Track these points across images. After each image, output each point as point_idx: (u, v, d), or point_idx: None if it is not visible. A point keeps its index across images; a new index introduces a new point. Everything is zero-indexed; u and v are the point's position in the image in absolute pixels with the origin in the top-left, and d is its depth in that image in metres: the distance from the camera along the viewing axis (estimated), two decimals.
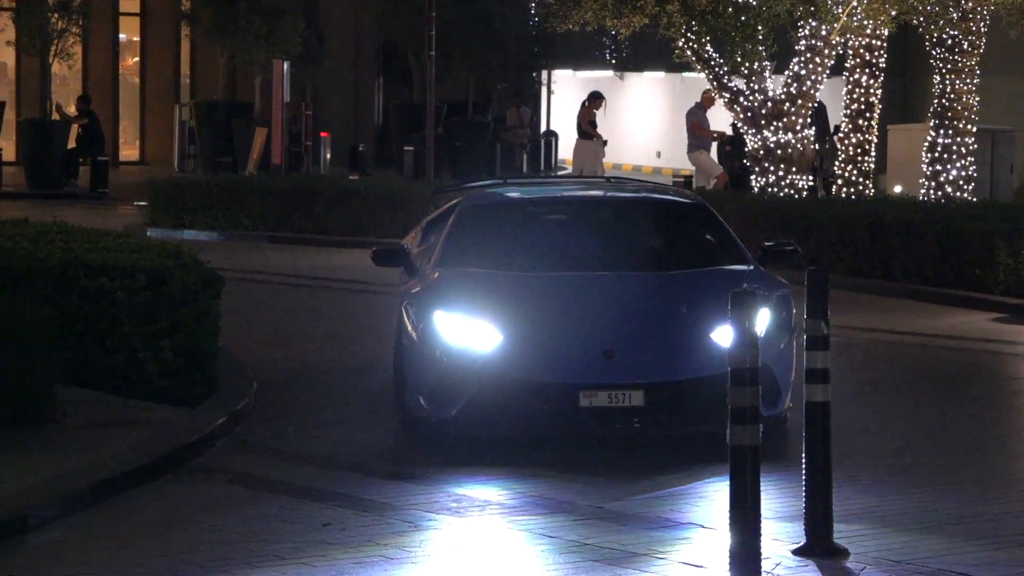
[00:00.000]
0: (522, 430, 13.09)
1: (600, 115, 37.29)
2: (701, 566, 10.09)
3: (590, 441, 13.34)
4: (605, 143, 37.93)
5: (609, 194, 16.32)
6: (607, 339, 13.04)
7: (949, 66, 33.32)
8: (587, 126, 36.53)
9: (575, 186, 19.25)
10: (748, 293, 9.66)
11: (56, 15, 41.41)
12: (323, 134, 43.20)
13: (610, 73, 50.49)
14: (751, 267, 14.17)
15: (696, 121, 34.83)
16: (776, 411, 13.05)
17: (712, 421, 12.22)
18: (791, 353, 13.29)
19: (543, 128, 50.97)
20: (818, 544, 10.18)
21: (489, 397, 12.80)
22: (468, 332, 12.94)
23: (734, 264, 14.28)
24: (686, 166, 38.68)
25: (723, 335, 11.71)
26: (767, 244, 15.17)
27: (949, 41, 33.06)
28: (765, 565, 9.28)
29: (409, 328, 13.52)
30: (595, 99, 37.18)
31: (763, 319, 12.25)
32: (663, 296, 13.75)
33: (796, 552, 10.17)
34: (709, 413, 12.45)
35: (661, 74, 45.04)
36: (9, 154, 42.79)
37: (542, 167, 47.16)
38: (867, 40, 33.28)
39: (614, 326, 13.26)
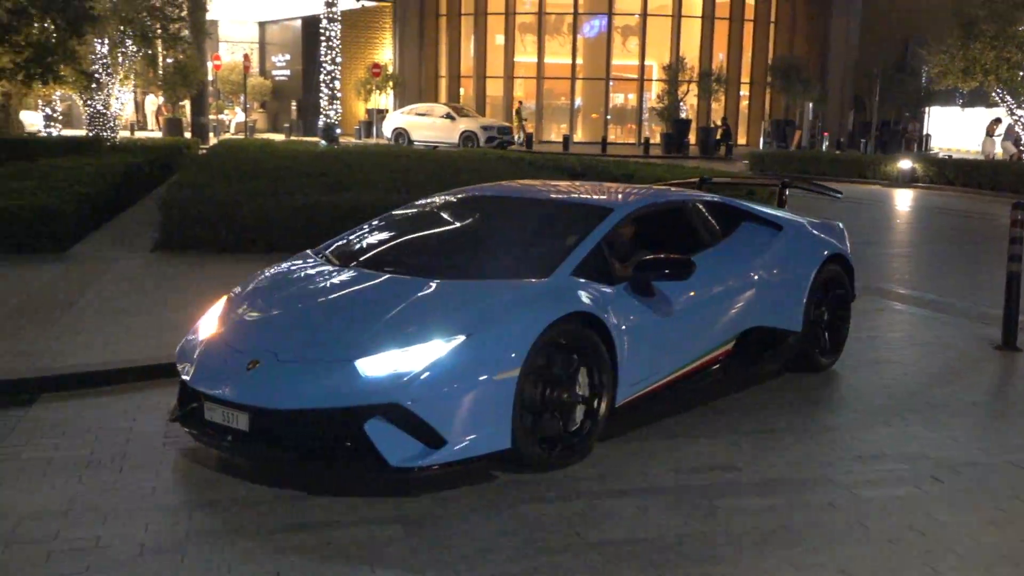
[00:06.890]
0: (183, 429, 5.64)
1: (997, 129, 33.81)
2: None
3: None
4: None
5: (543, 197, 7.00)
6: (267, 349, 5.48)
7: None
8: (987, 134, 33.71)
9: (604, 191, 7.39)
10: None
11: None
12: (824, 133, 43.49)
13: (958, 108, 48.11)
14: (544, 279, 5.85)
15: (1011, 127, 31.99)
16: (428, 459, 5.06)
17: (312, 458, 5.14)
18: (494, 392, 5.20)
19: (924, 132, 49.14)
20: (1009, 343, 8.77)
21: (181, 390, 5.78)
22: (212, 319, 6.06)
23: (537, 276, 5.87)
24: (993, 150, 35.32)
25: (371, 364, 5.17)
26: (643, 259, 6.16)
27: None
28: (977, 352, 7.78)
29: None
30: (996, 122, 33.83)
31: (431, 351, 5.19)
32: (366, 307, 5.65)
33: (995, 348, 8.82)
34: (308, 449, 5.17)
35: (983, 108, 44.55)
36: (654, 139, 41.97)
37: (920, 149, 44.97)
38: None
39: (287, 336, 5.55)
